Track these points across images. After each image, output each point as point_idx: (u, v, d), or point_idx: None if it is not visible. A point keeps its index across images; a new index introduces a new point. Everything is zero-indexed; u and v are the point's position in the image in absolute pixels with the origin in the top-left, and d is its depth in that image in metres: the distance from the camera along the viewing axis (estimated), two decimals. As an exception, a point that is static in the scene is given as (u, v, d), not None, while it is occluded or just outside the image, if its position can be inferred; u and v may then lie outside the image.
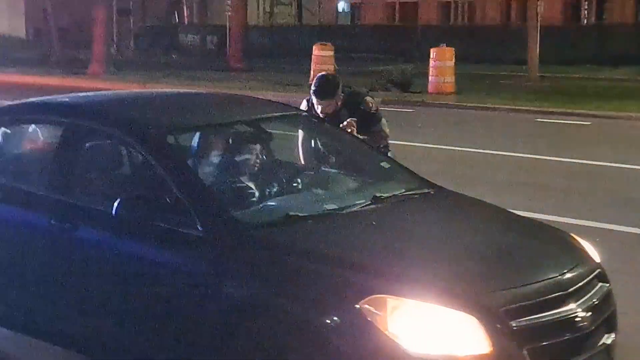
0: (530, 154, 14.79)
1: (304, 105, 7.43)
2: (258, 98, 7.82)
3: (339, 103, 7.28)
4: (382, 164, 6.41)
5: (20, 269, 5.77)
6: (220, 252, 4.90)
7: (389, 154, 7.03)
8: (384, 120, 7.53)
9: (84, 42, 39.10)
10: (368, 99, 7.54)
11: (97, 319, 5.45)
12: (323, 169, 6.41)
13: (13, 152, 6.50)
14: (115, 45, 42.42)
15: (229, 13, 38.93)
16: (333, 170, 6.38)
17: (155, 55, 44.78)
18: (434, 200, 5.92)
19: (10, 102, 6.83)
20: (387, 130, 7.53)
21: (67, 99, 6.52)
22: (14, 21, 67.28)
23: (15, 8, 67.86)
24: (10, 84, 28.25)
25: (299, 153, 7.08)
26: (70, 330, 5.61)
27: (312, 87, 7.36)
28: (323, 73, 7.72)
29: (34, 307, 5.76)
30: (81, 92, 7.13)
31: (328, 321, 4.44)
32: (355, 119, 7.14)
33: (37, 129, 6.48)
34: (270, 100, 7.37)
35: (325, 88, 7.30)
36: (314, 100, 7.30)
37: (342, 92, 7.37)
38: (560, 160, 14.21)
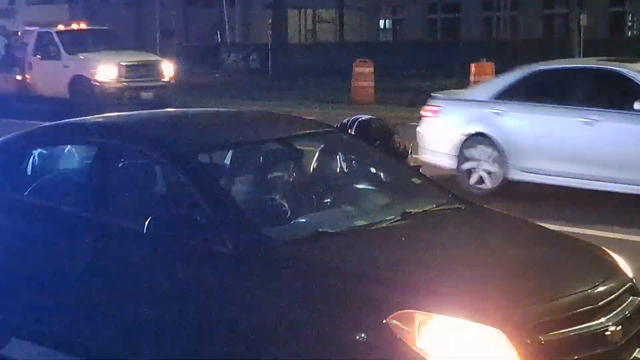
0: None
1: None
2: (290, 115, 7.86)
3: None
4: (412, 179, 6.41)
5: (54, 288, 5.85)
6: (251, 269, 4.92)
7: (420, 170, 7.03)
8: (410, 157, 7.61)
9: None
10: (396, 137, 7.60)
11: (130, 336, 5.49)
12: (354, 185, 6.41)
13: (49, 173, 6.58)
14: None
15: (271, 32, 39.16)
16: (364, 187, 6.39)
17: (198, 75, 45.04)
18: (464, 215, 5.91)
19: (46, 124, 6.92)
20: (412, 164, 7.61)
21: (100, 120, 6.62)
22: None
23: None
24: (54, 104, 28.53)
25: (329, 169, 7.10)
26: (103, 347, 5.67)
27: (353, 132, 7.42)
28: (365, 118, 7.73)
29: (67, 324, 5.83)
30: (122, 112, 7.22)
31: (357, 337, 4.45)
32: None
33: (73, 149, 6.57)
34: (302, 118, 7.42)
35: (367, 134, 7.38)
36: None
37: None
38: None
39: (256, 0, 56.68)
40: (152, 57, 26.05)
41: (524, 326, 4.48)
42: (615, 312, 4.82)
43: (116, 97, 23.36)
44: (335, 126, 7.28)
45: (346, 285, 4.67)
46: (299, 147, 6.43)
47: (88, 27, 29.02)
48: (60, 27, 26.81)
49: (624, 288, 5.05)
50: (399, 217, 5.53)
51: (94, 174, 5.92)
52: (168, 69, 25.28)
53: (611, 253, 5.55)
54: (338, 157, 6.62)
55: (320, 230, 5.22)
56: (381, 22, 53.63)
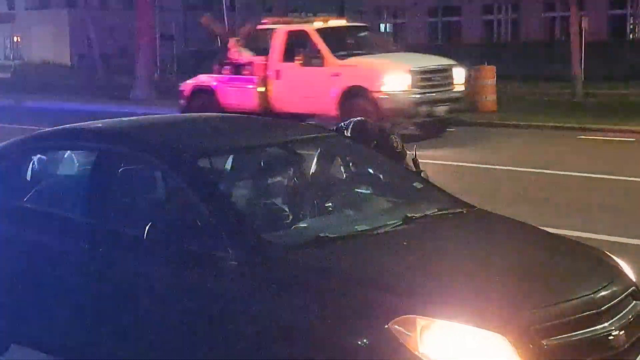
0: (572, 171, 14.65)
1: None
2: (291, 120, 7.86)
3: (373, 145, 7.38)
4: (414, 184, 6.39)
5: (52, 293, 5.83)
6: (252, 275, 4.90)
7: (422, 174, 7.02)
8: (408, 156, 7.61)
9: (128, 67, 39.51)
10: (393, 137, 7.61)
11: (129, 342, 5.48)
12: (355, 189, 6.40)
13: (48, 178, 6.56)
14: (158, 70, 42.76)
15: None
16: (365, 191, 6.37)
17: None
18: (466, 219, 5.89)
19: (46, 129, 6.91)
20: (412, 164, 7.61)
21: (100, 125, 6.59)
22: (59, 49, 68.42)
23: (61, 36, 69.03)
24: (55, 110, 28.63)
25: (330, 174, 7.10)
26: (104, 354, 5.65)
27: (350, 133, 7.43)
28: (360, 119, 7.76)
29: (65, 330, 5.82)
30: (124, 117, 7.21)
31: (358, 342, 4.44)
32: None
33: (72, 154, 6.56)
34: (301, 122, 7.41)
35: (364, 135, 7.40)
36: None
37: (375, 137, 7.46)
38: (603, 178, 14.05)
39: (257, 5, 56.71)
40: (444, 62, 20.01)
41: (527, 331, 4.46)
42: (618, 316, 4.80)
43: (408, 114, 18.47)
44: (332, 129, 7.29)
45: (348, 291, 4.64)
46: (299, 152, 6.42)
47: (348, 24, 22.23)
48: (318, 24, 20.34)
49: (627, 292, 5.03)
50: (401, 222, 5.51)
51: (94, 180, 5.90)
52: (459, 75, 19.87)
53: (614, 257, 5.53)
54: (339, 161, 6.61)
55: (322, 235, 5.19)
56: (382, 26, 53.63)
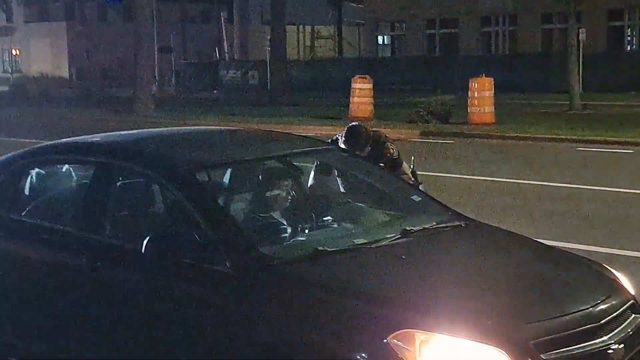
0: (571, 183, 14.69)
1: None
2: (288, 133, 7.86)
3: (366, 152, 7.43)
4: (412, 197, 6.38)
5: (51, 307, 5.81)
6: (249, 289, 4.89)
7: (420, 187, 7.03)
8: (405, 165, 7.62)
9: (126, 80, 39.59)
10: (388, 144, 7.64)
11: (125, 354, 5.45)
12: (353, 202, 6.39)
13: (46, 192, 6.55)
14: (156, 83, 42.84)
15: (269, 48, 39.28)
16: (363, 204, 6.36)
17: (196, 92, 45.17)
18: (464, 233, 5.87)
19: (44, 143, 6.91)
20: (409, 174, 7.62)
21: (97, 139, 6.58)
22: (58, 61, 68.63)
23: (59, 48, 69.24)
24: (53, 122, 28.64)
25: (327, 187, 7.11)
26: None
27: (344, 138, 7.46)
28: (354, 124, 7.81)
29: (63, 344, 5.80)
30: (122, 130, 7.21)
31: (357, 356, 4.41)
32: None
33: (70, 168, 6.55)
34: (300, 136, 7.42)
35: (357, 139, 7.44)
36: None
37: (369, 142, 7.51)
38: (601, 190, 14.04)
39: (254, 17, 56.92)
40: None
41: (526, 345, 4.44)
42: (617, 330, 4.79)
43: None
44: (327, 142, 7.31)
45: (346, 304, 4.63)
46: (297, 165, 6.41)
47: None
48: None
49: (626, 306, 5.02)
50: (399, 235, 5.49)
51: (92, 194, 5.89)
52: None
53: (613, 270, 5.53)
54: (337, 174, 6.61)
55: (320, 248, 5.18)
56: (379, 38, 53.75)
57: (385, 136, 7.85)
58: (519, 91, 34.65)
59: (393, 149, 7.64)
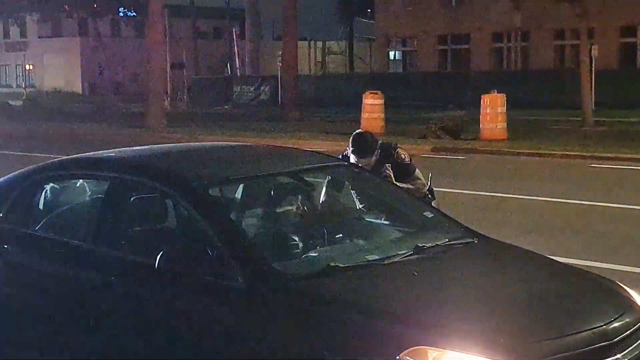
0: (584, 200, 14.62)
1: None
2: (299, 149, 7.87)
3: (375, 159, 7.39)
4: (425, 213, 6.37)
5: (64, 322, 5.82)
6: (262, 304, 4.90)
7: (433, 203, 7.01)
8: (417, 171, 7.58)
9: (138, 95, 39.68)
10: (400, 150, 7.61)
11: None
12: (365, 219, 6.39)
13: (60, 207, 6.58)
14: (168, 98, 42.96)
15: (280, 64, 39.35)
16: (375, 220, 6.36)
17: (208, 107, 45.25)
18: (477, 249, 5.87)
19: (60, 158, 6.94)
20: (423, 180, 7.57)
21: (112, 154, 6.62)
22: (71, 76, 68.91)
23: (72, 64, 69.57)
24: (66, 137, 28.74)
25: (339, 203, 7.10)
26: None
27: (351, 146, 7.44)
28: (360, 131, 7.79)
29: (78, 358, 5.80)
30: (135, 145, 7.23)
31: (369, 373, 4.41)
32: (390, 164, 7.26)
33: (84, 183, 6.58)
34: (312, 151, 7.43)
35: (364, 146, 7.44)
36: (353, 158, 7.40)
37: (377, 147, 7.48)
38: (613, 207, 14.00)
39: (266, 33, 57.03)
40: None
41: (538, 362, 4.43)
42: (630, 348, 4.77)
43: None
44: (338, 157, 7.30)
45: (359, 321, 4.63)
46: (309, 181, 6.42)
47: None
48: None
49: (639, 324, 4.99)
50: (412, 252, 5.49)
51: (106, 208, 5.93)
52: None
53: (626, 287, 5.50)
54: (349, 190, 6.61)
55: (332, 264, 5.19)
56: (391, 54, 53.83)
57: (396, 143, 7.81)
58: (531, 107, 34.59)
59: (404, 155, 7.59)
